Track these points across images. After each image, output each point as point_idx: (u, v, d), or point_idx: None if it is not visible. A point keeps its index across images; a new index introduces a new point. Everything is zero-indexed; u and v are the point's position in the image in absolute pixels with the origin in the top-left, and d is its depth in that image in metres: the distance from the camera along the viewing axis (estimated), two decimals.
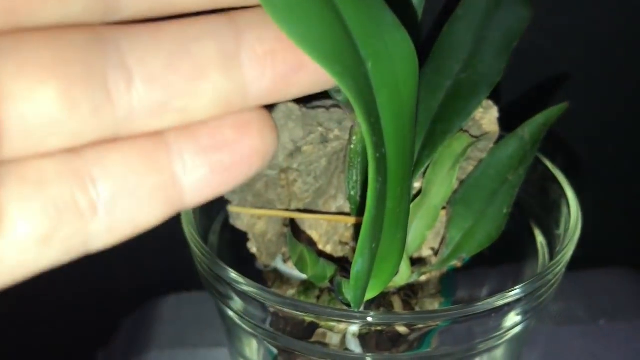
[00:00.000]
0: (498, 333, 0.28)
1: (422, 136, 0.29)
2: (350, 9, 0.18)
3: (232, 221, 0.29)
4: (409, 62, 0.21)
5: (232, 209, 0.29)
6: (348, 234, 0.30)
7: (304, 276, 0.30)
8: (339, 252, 0.30)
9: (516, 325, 0.28)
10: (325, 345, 0.28)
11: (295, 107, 0.28)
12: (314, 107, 0.28)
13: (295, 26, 0.16)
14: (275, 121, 0.28)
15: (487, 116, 0.29)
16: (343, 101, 0.26)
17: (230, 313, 0.28)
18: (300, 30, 0.16)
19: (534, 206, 0.34)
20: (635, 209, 0.53)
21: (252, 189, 0.29)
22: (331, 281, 0.27)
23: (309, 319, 0.27)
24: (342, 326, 0.27)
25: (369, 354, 0.27)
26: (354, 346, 0.27)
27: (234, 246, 0.32)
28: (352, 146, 0.27)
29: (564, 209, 0.31)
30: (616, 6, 0.42)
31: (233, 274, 0.26)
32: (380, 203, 0.20)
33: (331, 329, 0.28)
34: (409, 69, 0.21)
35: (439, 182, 0.28)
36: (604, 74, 0.45)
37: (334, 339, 0.28)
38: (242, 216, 0.29)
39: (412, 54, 0.21)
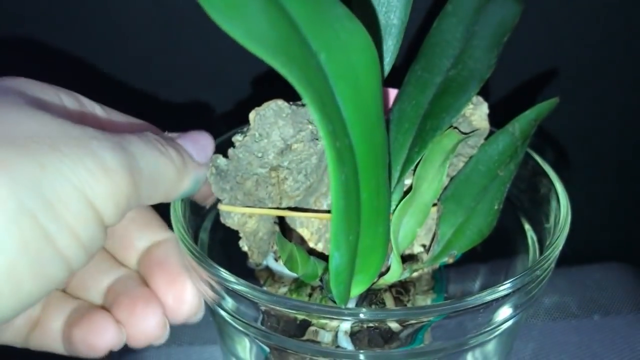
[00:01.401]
0: (489, 328, 0.28)
1: (412, 133, 0.29)
2: (297, 4, 0.18)
3: (222, 219, 0.29)
4: (366, 52, 0.21)
5: (222, 207, 0.29)
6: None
7: (286, 274, 0.30)
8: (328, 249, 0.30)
9: (507, 319, 0.28)
10: (317, 343, 0.27)
11: (285, 104, 0.28)
12: (304, 105, 0.28)
13: (237, 23, 0.17)
14: (265, 119, 0.28)
15: (477, 112, 0.29)
16: None
17: (221, 312, 0.28)
18: (242, 27, 0.17)
19: (524, 201, 0.34)
20: (627, 205, 0.53)
21: (243, 188, 0.29)
22: (321, 279, 0.27)
23: (300, 316, 0.27)
24: (333, 324, 0.27)
25: (361, 351, 0.27)
26: (346, 344, 0.27)
27: (225, 244, 0.32)
28: None
29: (554, 204, 0.31)
30: (607, 3, 0.42)
31: (223, 273, 0.26)
32: (350, 194, 0.20)
33: (323, 327, 0.28)
34: (367, 58, 0.21)
35: (429, 178, 0.28)
36: (593, 69, 0.45)
37: (325, 337, 0.28)
38: (233, 215, 0.29)
39: (369, 44, 0.21)
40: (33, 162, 0.20)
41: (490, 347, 0.31)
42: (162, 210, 0.30)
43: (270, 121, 0.28)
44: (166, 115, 0.46)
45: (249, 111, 0.28)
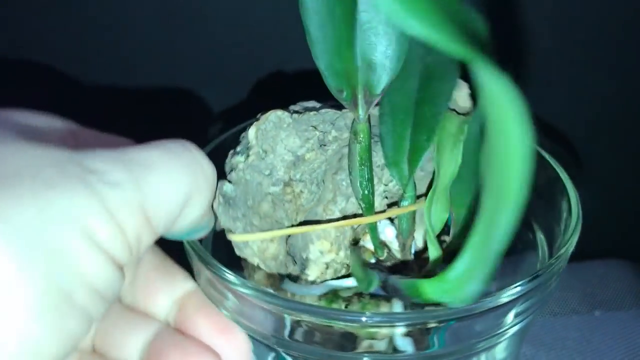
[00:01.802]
0: (501, 330, 0.27)
1: (409, 122, 0.29)
2: None
3: (238, 252, 0.27)
4: None
5: (236, 237, 0.26)
6: (354, 236, 0.29)
7: (316, 292, 0.28)
8: (348, 257, 0.29)
9: (518, 323, 0.27)
10: (375, 353, 0.26)
11: (285, 114, 0.27)
12: (303, 111, 0.28)
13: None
14: (267, 133, 0.27)
15: (462, 93, 0.30)
16: (346, 99, 0.26)
17: (225, 313, 0.26)
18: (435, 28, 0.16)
19: (533, 200, 0.33)
20: (629, 201, 0.55)
21: (258, 211, 0.27)
22: (384, 286, 0.25)
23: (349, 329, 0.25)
24: (386, 331, 0.26)
25: (366, 354, 0.26)
26: (408, 346, 0.25)
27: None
28: (361, 144, 0.26)
29: (564, 203, 0.31)
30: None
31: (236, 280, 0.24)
32: None
33: (373, 337, 0.26)
34: None
35: (445, 163, 0.28)
36: (602, 69, 0.46)
37: (381, 346, 0.26)
38: (251, 243, 0.27)
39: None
40: (31, 206, 0.17)
41: (502, 346, 0.30)
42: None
43: (271, 135, 0.26)
44: (161, 113, 0.43)
45: (246, 109, 0.27)
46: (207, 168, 0.22)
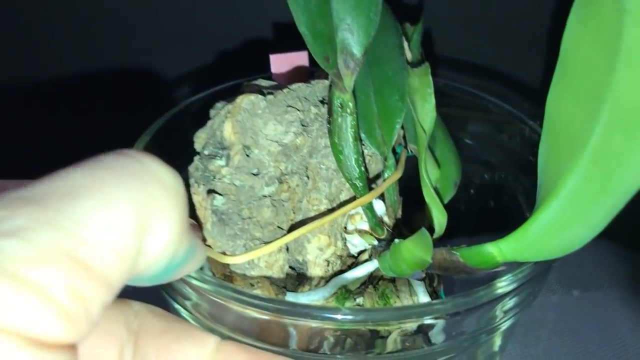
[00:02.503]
0: (493, 325, 0.25)
1: (370, 87, 0.26)
2: None
3: (243, 272, 0.22)
4: None
5: (237, 259, 0.21)
6: (344, 219, 0.26)
7: (324, 294, 0.25)
8: (345, 247, 0.26)
9: (512, 316, 0.25)
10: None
11: (258, 98, 0.22)
12: (273, 91, 0.23)
13: None
14: (243, 124, 0.22)
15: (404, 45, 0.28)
16: (331, 67, 0.22)
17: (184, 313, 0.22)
18: None
19: (525, 184, 0.32)
20: None
21: (259, 221, 0.22)
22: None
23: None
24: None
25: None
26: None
27: None
28: (353, 116, 0.23)
29: None
30: None
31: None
32: None
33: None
34: None
35: (421, 119, 0.26)
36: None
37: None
38: (257, 261, 0.22)
39: None
40: None
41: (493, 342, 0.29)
42: None
43: (249, 125, 0.22)
44: (127, 96, 0.38)
45: (206, 74, 0.22)
46: (167, 178, 0.16)
